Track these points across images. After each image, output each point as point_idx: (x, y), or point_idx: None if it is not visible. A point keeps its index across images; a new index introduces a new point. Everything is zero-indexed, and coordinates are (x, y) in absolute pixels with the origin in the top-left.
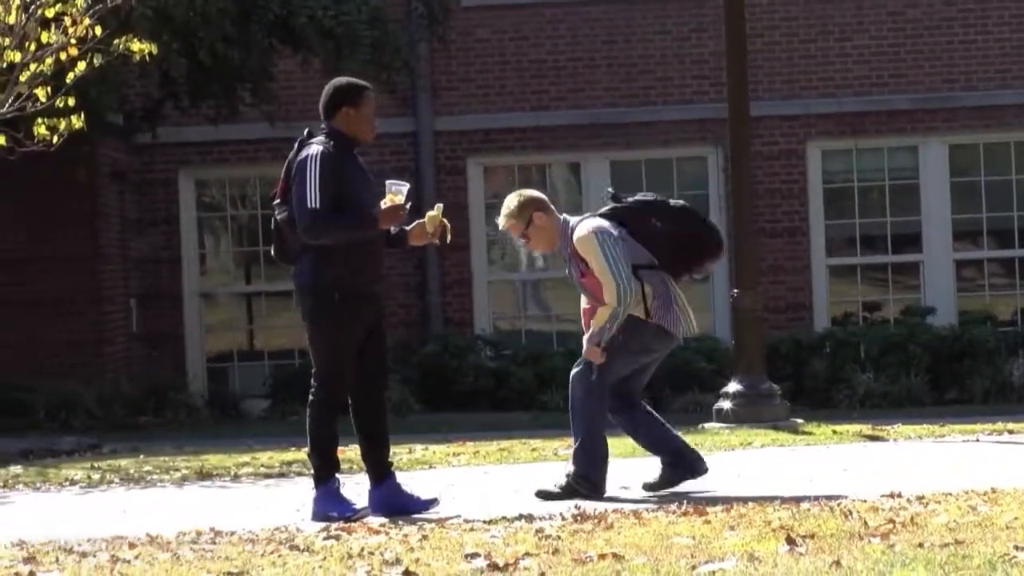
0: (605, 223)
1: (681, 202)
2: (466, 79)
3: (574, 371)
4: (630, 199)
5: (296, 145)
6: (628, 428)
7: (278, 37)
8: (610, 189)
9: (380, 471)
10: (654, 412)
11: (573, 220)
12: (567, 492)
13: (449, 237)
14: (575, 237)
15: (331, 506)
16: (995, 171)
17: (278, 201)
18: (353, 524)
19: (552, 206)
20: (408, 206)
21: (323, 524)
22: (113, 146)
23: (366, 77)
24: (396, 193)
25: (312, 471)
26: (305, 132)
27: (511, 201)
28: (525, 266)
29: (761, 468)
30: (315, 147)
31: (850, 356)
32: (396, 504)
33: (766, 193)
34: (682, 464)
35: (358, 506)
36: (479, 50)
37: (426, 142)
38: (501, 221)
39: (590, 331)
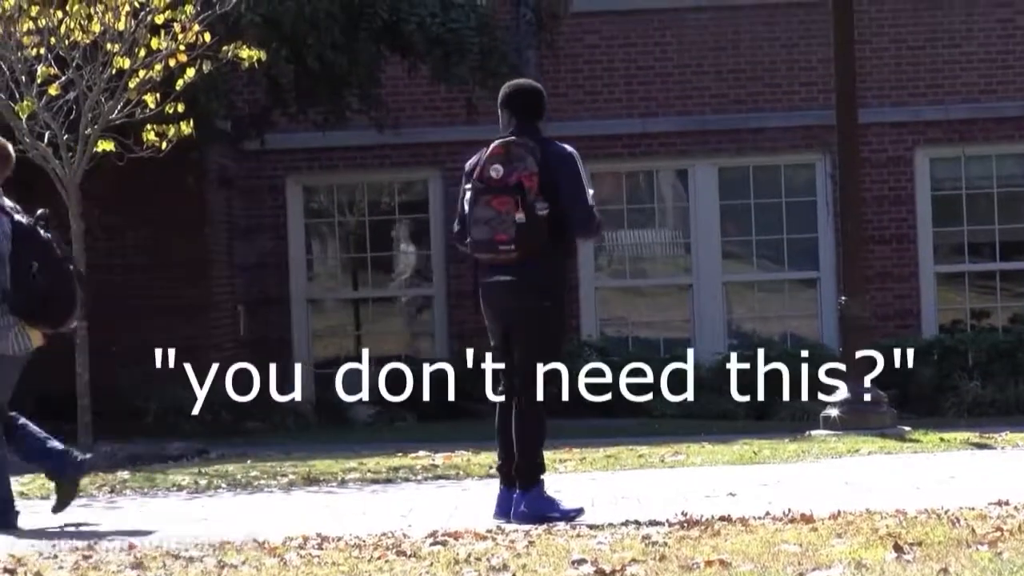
0: None
1: None
2: (574, 85)
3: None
4: None
5: (534, 142)
6: None
7: (386, 43)
8: None
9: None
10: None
11: None
12: None
13: None
14: None
15: (548, 506)
16: None
17: (534, 196)
18: (461, 530)
19: None
20: None
21: (430, 530)
22: (221, 152)
23: (474, 84)
24: None
25: (525, 473)
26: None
27: None
28: (632, 273)
29: (868, 475)
30: (566, 146)
31: (958, 364)
32: (538, 511)
33: (874, 200)
34: None
35: (567, 505)
36: (587, 56)
37: None
38: None
39: None
